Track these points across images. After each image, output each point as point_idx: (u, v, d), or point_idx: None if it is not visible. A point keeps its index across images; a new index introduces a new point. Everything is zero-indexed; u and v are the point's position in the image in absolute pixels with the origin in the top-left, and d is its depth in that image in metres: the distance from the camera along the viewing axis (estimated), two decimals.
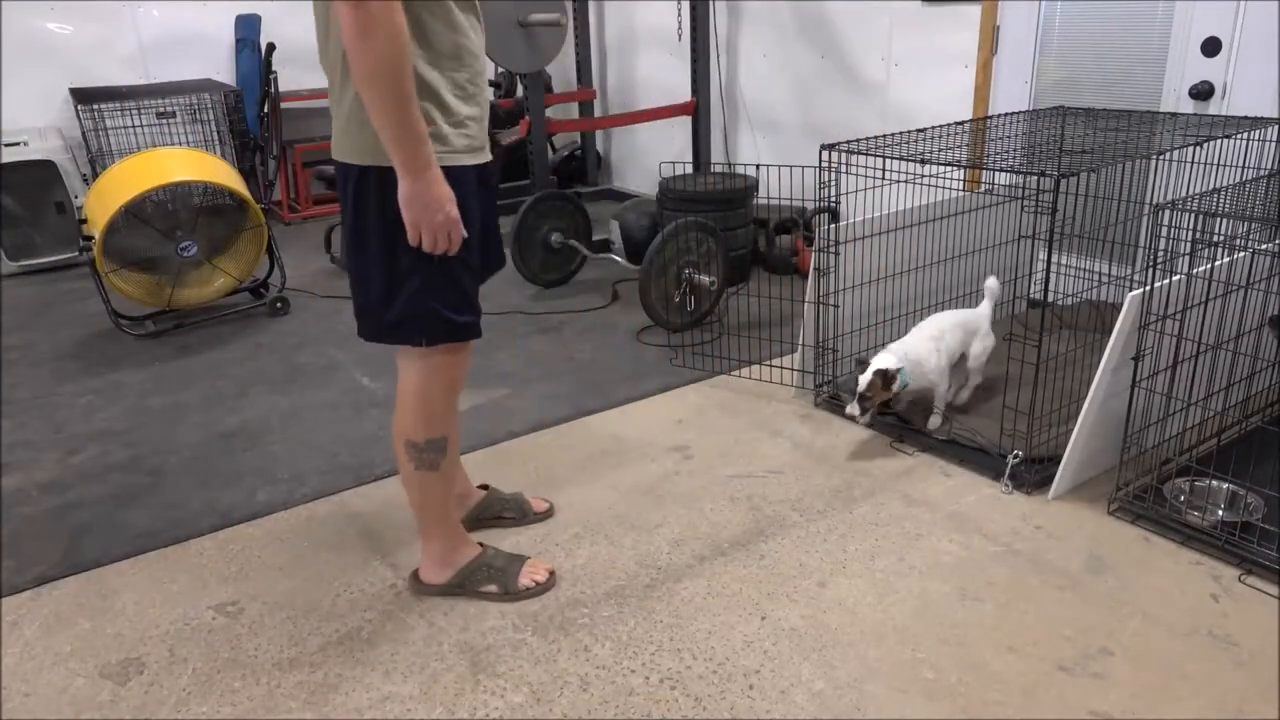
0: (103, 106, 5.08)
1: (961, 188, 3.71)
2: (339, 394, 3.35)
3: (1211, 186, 2.82)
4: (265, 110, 5.68)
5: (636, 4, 5.73)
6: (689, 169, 5.03)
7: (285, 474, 2.80)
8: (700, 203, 4.11)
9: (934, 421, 2.81)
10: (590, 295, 4.33)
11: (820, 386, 3.13)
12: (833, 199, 2.92)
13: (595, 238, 4.50)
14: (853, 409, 2.69)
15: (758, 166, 3.73)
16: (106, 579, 2.32)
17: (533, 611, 2.14)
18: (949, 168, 2.64)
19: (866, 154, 2.79)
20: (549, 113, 5.04)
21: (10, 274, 4.95)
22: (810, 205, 4.38)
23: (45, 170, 4.90)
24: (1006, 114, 3.37)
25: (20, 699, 1.93)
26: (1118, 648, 1.95)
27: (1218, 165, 2.96)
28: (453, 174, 1.79)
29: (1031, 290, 3.58)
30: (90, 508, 2.65)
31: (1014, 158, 2.64)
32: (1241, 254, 2.40)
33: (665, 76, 5.59)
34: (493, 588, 2.18)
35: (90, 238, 3.70)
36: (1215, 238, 2.34)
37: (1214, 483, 2.40)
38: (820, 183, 2.87)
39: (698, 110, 5.07)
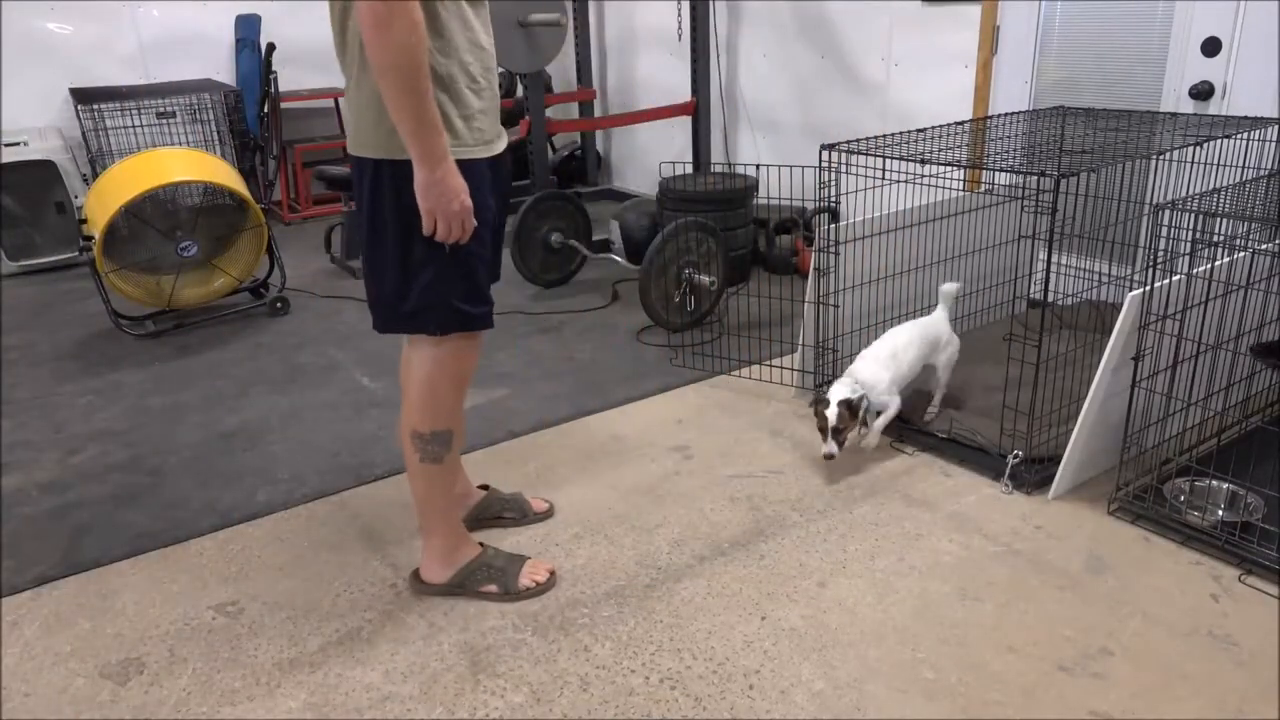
0: (103, 106, 5.08)
1: (961, 188, 3.71)
2: (339, 394, 3.35)
3: (1211, 186, 2.81)
4: (265, 110, 5.68)
5: (636, 4, 5.73)
6: (689, 169, 5.03)
7: (285, 474, 2.80)
8: (700, 203, 4.11)
9: (870, 440, 2.73)
10: (590, 295, 4.33)
11: (820, 386, 3.12)
12: (833, 199, 2.91)
13: (595, 238, 4.50)
14: (829, 448, 2.57)
15: (758, 166, 3.73)
16: (106, 579, 2.32)
17: (533, 611, 2.14)
18: (949, 168, 2.64)
19: (866, 154, 2.79)
20: (549, 113, 5.05)
21: (10, 274, 4.95)
22: (810, 205, 4.38)
23: (45, 170, 4.90)
24: (1006, 114, 3.37)
25: (20, 699, 1.93)
26: (1118, 648, 1.95)
27: (1218, 165, 2.96)
28: (464, 166, 1.82)
29: (1031, 290, 3.58)
30: (90, 508, 2.65)
31: (1014, 158, 2.64)
32: (1241, 254, 2.40)
33: (665, 76, 5.59)
34: (493, 587, 2.18)
35: (90, 238, 3.70)
36: (1215, 238, 2.34)
37: (1214, 483, 2.40)
38: (820, 183, 2.87)
39: (698, 110, 5.07)
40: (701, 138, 5.11)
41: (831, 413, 2.57)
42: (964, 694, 1.85)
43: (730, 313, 3.99)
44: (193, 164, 3.94)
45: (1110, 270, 3.18)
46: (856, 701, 1.84)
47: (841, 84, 4.53)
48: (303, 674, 1.97)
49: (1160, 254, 2.23)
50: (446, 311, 1.94)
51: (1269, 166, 2.93)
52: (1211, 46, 3.19)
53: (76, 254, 4.36)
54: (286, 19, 5.90)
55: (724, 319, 3.92)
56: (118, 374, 3.61)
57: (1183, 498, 2.40)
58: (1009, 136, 2.99)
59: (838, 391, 2.62)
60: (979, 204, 3.34)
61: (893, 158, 2.72)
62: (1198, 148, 2.87)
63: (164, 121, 5.29)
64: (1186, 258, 2.25)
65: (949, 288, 2.89)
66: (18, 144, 4.90)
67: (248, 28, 5.79)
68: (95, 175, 4.76)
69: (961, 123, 3.16)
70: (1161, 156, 2.90)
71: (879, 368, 2.72)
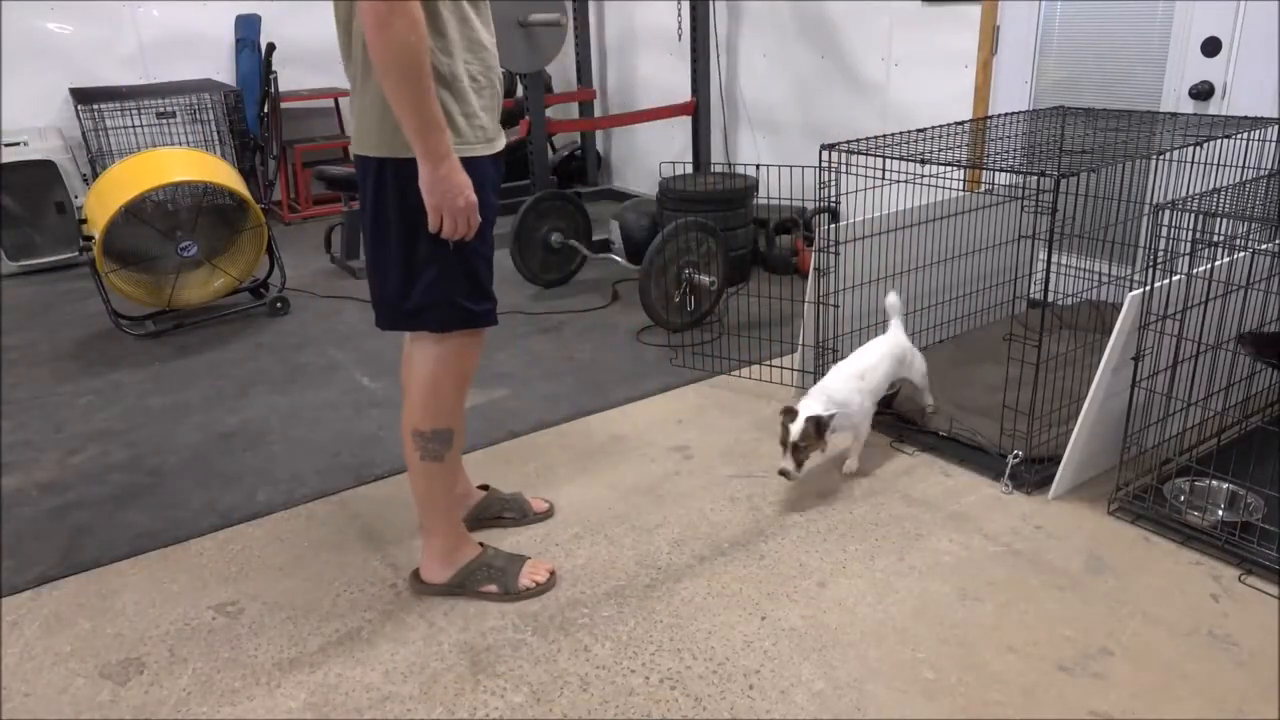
0: (103, 106, 5.08)
1: (961, 188, 3.71)
2: (339, 394, 3.35)
3: (1211, 186, 2.81)
4: (265, 110, 5.68)
5: (636, 4, 5.73)
6: (689, 169, 5.03)
7: (285, 474, 2.80)
8: (700, 203, 4.11)
9: (850, 465, 2.66)
10: (590, 295, 4.33)
11: None
12: (833, 199, 2.91)
13: (595, 238, 4.50)
14: (786, 464, 2.43)
15: (758, 166, 3.73)
16: (106, 579, 2.32)
17: (533, 611, 2.14)
18: (949, 168, 2.64)
19: (866, 154, 2.79)
20: (549, 113, 5.05)
21: (10, 274, 4.95)
22: (810, 205, 4.38)
23: (45, 170, 4.90)
24: (1006, 114, 3.37)
25: (20, 699, 1.93)
26: (1118, 648, 1.95)
27: (1218, 165, 2.96)
28: (467, 164, 1.83)
29: (1031, 290, 3.58)
30: (90, 508, 2.65)
31: (1014, 158, 2.64)
32: (1241, 254, 2.40)
33: (665, 76, 5.59)
34: (493, 588, 2.18)
35: (90, 238, 3.70)
36: (1215, 238, 2.34)
37: (1214, 483, 2.40)
38: (820, 183, 2.87)
39: (698, 110, 5.07)
40: (701, 138, 5.11)
41: (796, 427, 2.42)
42: (964, 694, 1.85)
43: (730, 313, 3.99)
44: (193, 164, 3.94)
45: (1110, 270, 3.18)
46: (856, 701, 1.84)
47: (841, 84, 4.53)
48: (303, 674, 1.97)
49: (1160, 254, 2.23)
50: (449, 309, 1.95)
51: (1269, 166, 2.93)
52: (1211, 46, 3.19)
53: (76, 254, 4.37)
54: (286, 19, 5.90)
55: (724, 319, 3.92)
56: (118, 374, 3.61)
57: (1183, 498, 2.40)
58: (1009, 136, 2.99)
59: (809, 406, 2.48)
60: (979, 204, 3.34)
61: (893, 158, 2.72)
62: (1198, 148, 2.87)
63: (164, 121, 5.29)
64: (1186, 258, 2.25)
65: (893, 300, 2.80)
66: (18, 144, 4.90)
67: (248, 28, 5.79)
68: (95, 175, 4.76)
69: (961, 123, 3.16)
70: (1161, 156, 2.90)
71: (853, 387, 2.60)
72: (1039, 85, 3.75)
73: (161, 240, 3.98)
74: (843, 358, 3.13)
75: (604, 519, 2.50)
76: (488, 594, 2.18)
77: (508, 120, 5.36)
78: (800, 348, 3.17)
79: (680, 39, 5.14)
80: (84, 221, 3.76)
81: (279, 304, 4.21)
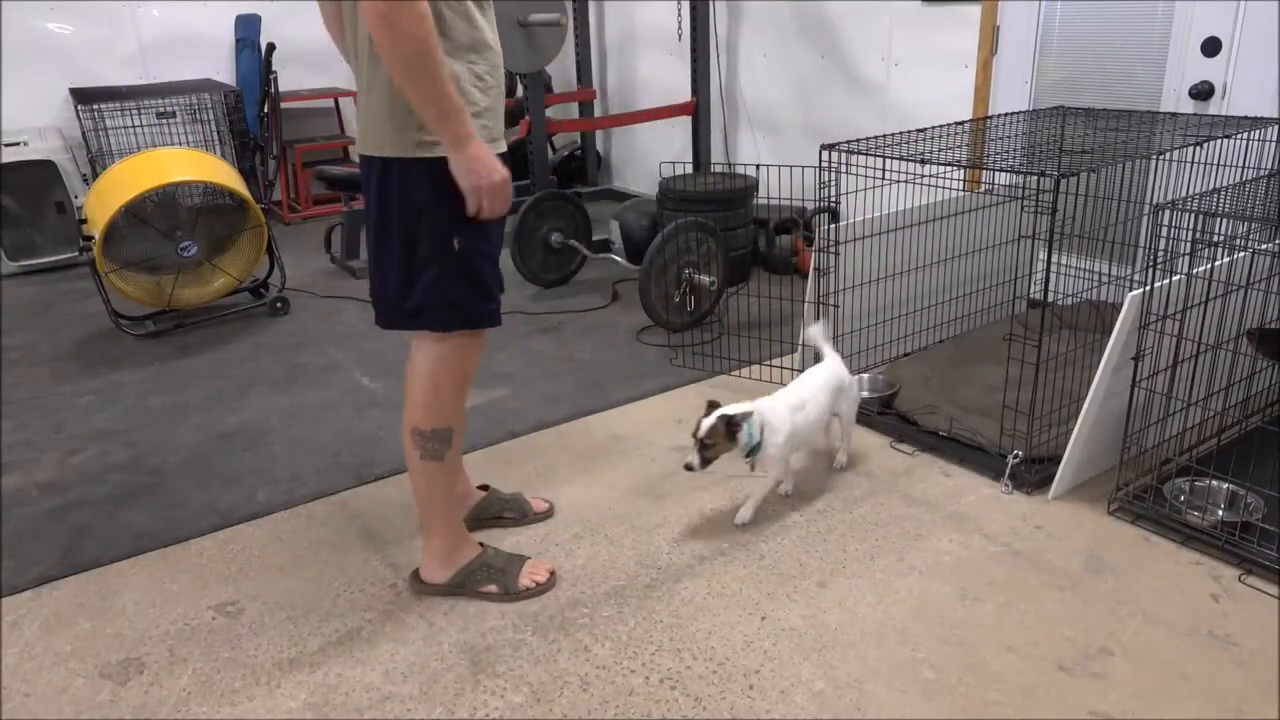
0: (103, 106, 5.08)
1: (961, 188, 3.71)
2: (339, 394, 3.35)
3: (1211, 186, 2.81)
4: (265, 110, 5.68)
5: (636, 4, 5.73)
6: (689, 169, 5.03)
7: (285, 474, 2.80)
8: (700, 203, 4.11)
9: (744, 514, 2.46)
10: (590, 295, 4.33)
11: None
12: (833, 199, 2.91)
13: (595, 238, 4.50)
14: (692, 459, 2.29)
15: (758, 166, 3.73)
16: (106, 579, 2.32)
17: (533, 611, 2.14)
18: (949, 168, 2.64)
19: (866, 154, 2.79)
20: (549, 113, 5.05)
21: (10, 274, 4.95)
22: (810, 205, 4.38)
23: (45, 170, 4.90)
24: (1006, 114, 3.37)
25: (20, 699, 1.93)
26: (1118, 648, 1.95)
27: (1218, 165, 2.96)
28: None
29: (1031, 290, 3.58)
30: (90, 508, 2.65)
31: (1014, 158, 2.64)
32: (1241, 254, 2.40)
33: (665, 76, 5.59)
34: (493, 588, 2.18)
35: (90, 238, 3.70)
36: (1215, 238, 2.34)
37: (1214, 483, 2.40)
38: (820, 183, 2.87)
39: (698, 110, 5.07)
40: (701, 138, 5.11)
41: (706, 423, 2.29)
42: (964, 694, 1.85)
43: (730, 313, 3.99)
44: (193, 164, 3.94)
45: (1110, 270, 3.18)
46: (856, 701, 1.84)
47: (841, 84, 4.53)
48: (303, 674, 1.97)
49: (1160, 254, 2.23)
50: (449, 309, 1.95)
51: (1269, 166, 2.93)
52: (1211, 46, 3.19)
53: (76, 254, 4.37)
54: (286, 19, 5.90)
55: (724, 319, 3.92)
56: (118, 374, 3.61)
57: (1183, 498, 2.40)
58: (1009, 136, 2.99)
59: (732, 406, 2.34)
60: (979, 204, 3.34)
61: (893, 158, 2.72)
62: (1198, 148, 2.87)
63: (164, 121, 5.29)
64: (1186, 258, 2.25)
65: (815, 331, 2.68)
66: (18, 144, 4.90)
67: (248, 28, 5.79)
68: (95, 175, 4.76)
69: (961, 123, 3.16)
70: (1161, 156, 2.90)
71: (788, 416, 2.42)
72: (1039, 85, 3.75)
73: (161, 240, 3.98)
74: (843, 358, 3.14)
75: (604, 519, 2.50)
76: (488, 594, 2.18)
77: (508, 120, 5.35)
78: (800, 348, 3.17)
79: (680, 39, 5.14)
80: (84, 221, 3.76)
81: (279, 304, 4.21)
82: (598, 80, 6.20)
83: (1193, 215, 2.26)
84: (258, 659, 2.02)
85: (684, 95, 5.15)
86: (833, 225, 2.94)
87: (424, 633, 2.08)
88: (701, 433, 2.29)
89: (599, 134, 6.38)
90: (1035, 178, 2.36)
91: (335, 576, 2.30)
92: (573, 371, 3.48)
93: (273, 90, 5.66)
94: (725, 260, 3.84)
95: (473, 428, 2.98)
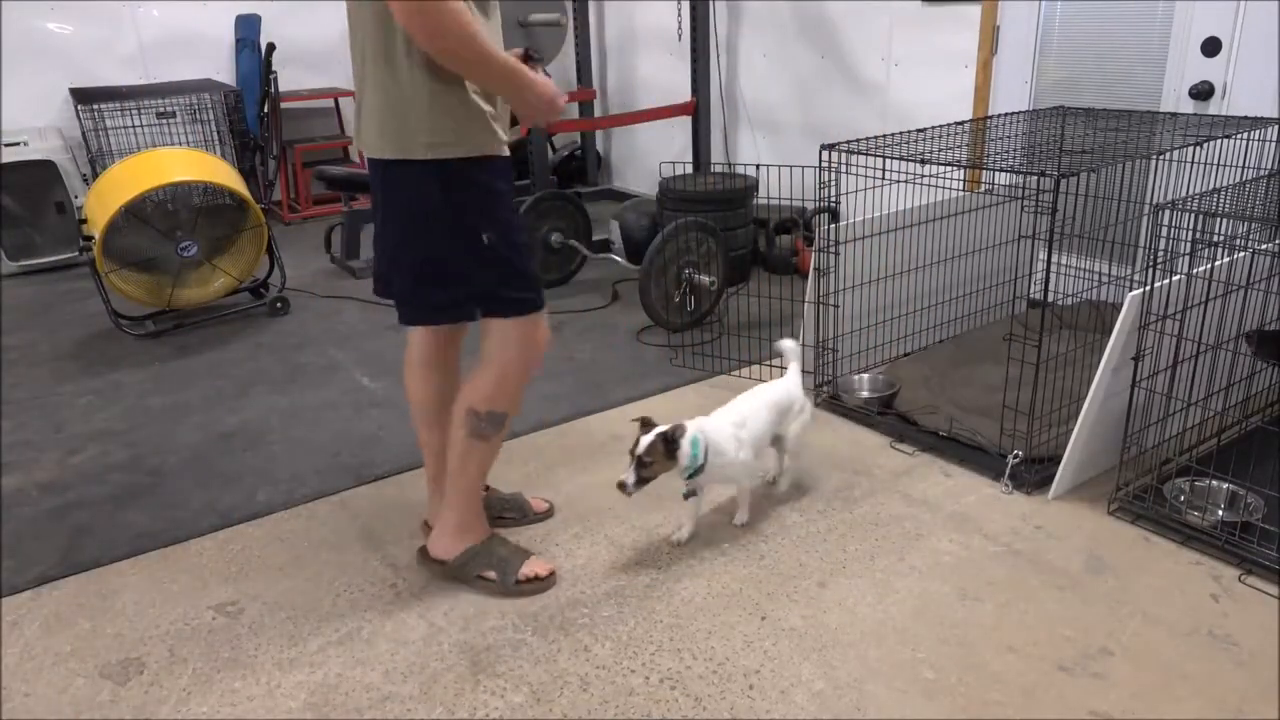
0: (103, 106, 5.08)
1: (961, 188, 3.71)
2: (339, 394, 3.35)
3: (1211, 186, 2.81)
4: (265, 110, 5.68)
5: (636, 4, 5.73)
6: (689, 169, 5.03)
7: (285, 474, 2.80)
8: (700, 203, 4.11)
9: (741, 516, 2.43)
10: (590, 295, 4.33)
11: (820, 386, 3.12)
12: (833, 199, 2.91)
13: (595, 238, 4.50)
14: (627, 476, 2.17)
15: (758, 166, 3.73)
16: (106, 579, 2.32)
17: (533, 611, 2.14)
18: (949, 168, 2.64)
19: (866, 154, 2.79)
20: None
21: (10, 274, 4.95)
22: (810, 205, 4.38)
23: (45, 170, 4.90)
24: (1006, 114, 3.37)
25: (20, 699, 1.93)
26: (1118, 648, 1.95)
27: (1218, 165, 2.96)
28: (485, 163, 1.91)
29: (1031, 290, 3.58)
30: (90, 508, 2.65)
31: (1014, 158, 2.64)
32: (1241, 254, 2.40)
33: (665, 76, 5.59)
34: (492, 574, 2.21)
35: (90, 238, 3.70)
36: (1215, 238, 2.34)
37: (1214, 483, 2.40)
38: (820, 183, 2.87)
39: (698, 110, 5.07)
40: (701, 138, 5.10)
41: (644, 440, 2.17)
42: (964, 694, 1.85)
43: (730, 313, 3.99)
44: (193, 164, 3.94)
45: (1110, 270, 3.18)
46: (856, 701, 1.84)
47: (841, 84, 4.53)
48: (303, 674, 1.97)
49: (1160, 254, 2.23)
50: (491, 300, 2.03)
51: (1269, 166, 2.93)
52: (1211, 46, 3.19)
53: (76, 254, 4.36)
54: (286, 19, 5.90)
55: (724, 319, 3.92)
56: (118, 374, 3.61)
57: (1183, 498, 2.40)
58: (1009, 136, 2.99)
59: (669, 427, 2.21)
60: (979, 204, 3.34)
61: (893, 158, 2.72)
62: (1198, 148, 2.87)
63: (164, 121, 5.29)
64: (1186, 258, 2.25)
65: (788, 345, 2.59)
66: (18, 144, 4.90)
67: (248, 28, 5.79)
68: (95, 175, 4.76)
69: (961, 123, 3.16)
70: (1161, 156, 2.90)
71: (728, 434, 2.32)
72: (1039, 85, 3.75)
73: (161, 240, 3.98)
74: (843, 358, 3.14)
75: (604, 519, 2.50)
76: (486, 580, 2.20)
77: (510, 120, 5.37)
78: (800, 348, 3.16)
79: (680, 39, 5.13)
80: (84, 221, 3.76)
81: (279, 304, 4.21)
82: (598, 80, 6.20)
83: (1193, 215, 2.26)
84: (258, 659, 2.02)
85: (684, 95, 5.14)
86: (833, 225, 2.94)
87: (424, 633, 2.08)
88: (640, 450, 2.17)
89: (599, 134, 6.38)
90: (1035, 178, 2.36)
91: (335, 576, 2.30)
92: (573, 371, 3.48)
93: (273, 90, 5.66)
94: (725, 260, 3.84)
95: None
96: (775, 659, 1.96)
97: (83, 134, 5.09)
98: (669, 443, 2.19)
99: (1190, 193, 2.44)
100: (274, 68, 5.63)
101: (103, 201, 3.76)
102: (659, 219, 4.26)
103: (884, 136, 2.90)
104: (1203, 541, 2.27)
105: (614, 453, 2.86)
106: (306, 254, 5.09)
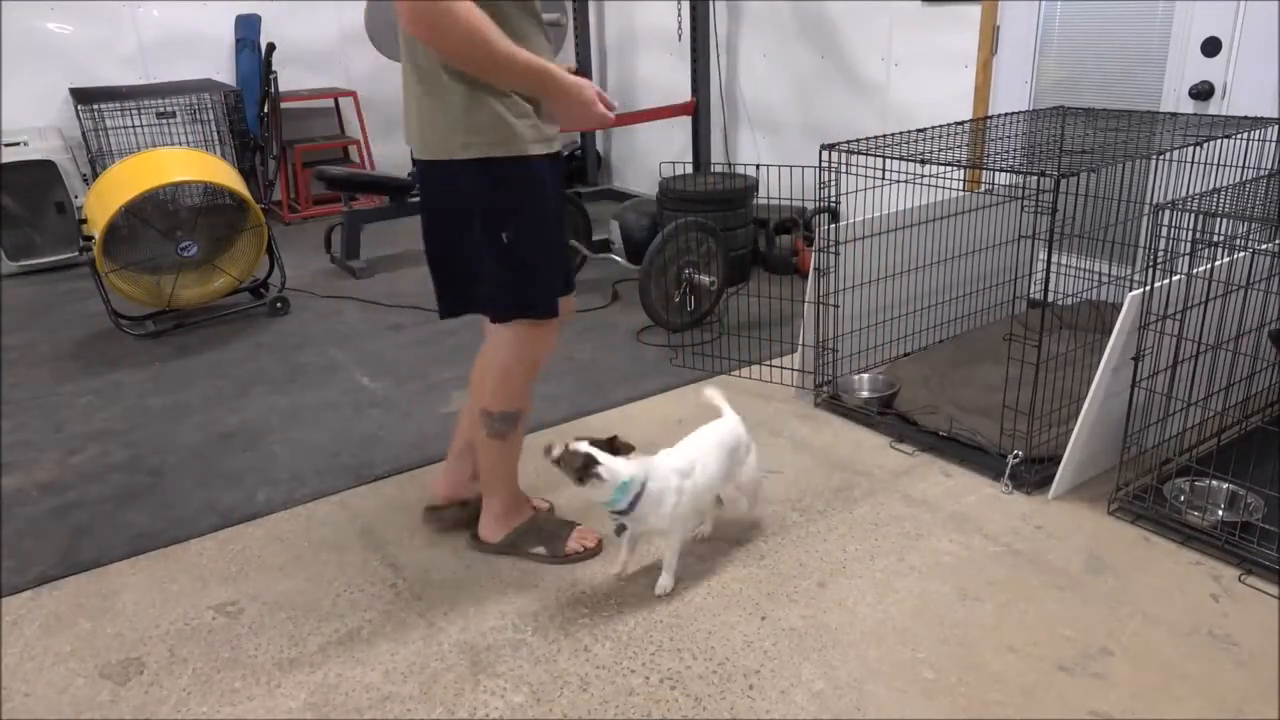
0: (103, 106, 5.08)
1: (961, 188, 3.71)
2: (339, 394, 3.35)
3: (1211, 186, 2.81)
4: (265, 110, 5.68)
5: (636, 4, 5.73)
6: (689, 169, 5.03)
7: (285, 474, 2.80)
8: (700, 203, 4.11)
9: (663, 584, 2.17)
10: (590, 295, 4.33)
11: (820, 386, 3.13)
12: (833, 199, 2.91)
13: (595, 238, 4.50)
14: (554, 451, 2.03)
15: (758, 166, 3.73)
16: (106, 579, 2.32)
17: (533, 611, 2.14)
18: (949, 168, 2.64)
19: (866, 154, 2.79)
20: None
21: (10, 274, 4.95)
22: (810, 205, 4.38)
23: (45, 170, 4.90)
24: (1006, 114, 3.37)
25: (20, 699, 1.93)
26: (1118, 648, 1.95)
27: (1218, 165, 2.96)
28: (519, 163, 1.94)
29: (1031, 290, 3.58)
30: (90, 508, 2.65)
31: (1014, 158, 2.64)
32: (1241, 254, 2.40)
33: (665, 76, 5.59)
34: (541, 549, 2.30)
35: (90, 238, 3.70)
36: (1215, 238, 2.34)
37: (1214, 483, 2.40)
38: (820, 183, 2.87)
39: (698, 110, 5.07)
40: (701, 138, 5.11)
41: (572, 447, 2.03)
42: (964, 694, 1.85)
43: (730, 313, 3.99)
44: (193, 164, 3.94)
45: (1110, 270, 3.18)
46: (856, 701, 1.84)
47: (841, 84, 4.53)
48: (303, 674, 1.97)
49: (1160, 254, 2.23)
50: (503, 299, 2.06)
51: (1269, 166, 2.93)
52: (1211, 46, 3.19)
53: (76, 254, 4.36)
54: (286, 19, 5.90)
55: (724, 319, 3.92)
56: (118, 374, 3.61)
57: (1183, 498, 2.40)
58: (1009, 136, 2.99)
59: (609, 462, 2.03)
60: (979, 204, 3.34)
61: (893, 158, 2.72)
62: (1198, 148, 2.87)
63: (164, 121, 5.29)
64: (1186, 258, 2.25)
65: (712, 394, 2.39)
66: (18, 144, 4.90)
67: (248, 28, 5.78)
68: (95, 175, 4.76)
69: (961, 123, 3.16)
70: (1161, 156, 2.90)
71: (676, 483, 2.10)
72: (1039, 85, 3.75)
73: (161, 240, 3.98)
74: (843, 358, 3.14)
75: (604, 519, 2.49)
76: (537, 555, 2.30)
77: None
78: (800, 348, 3.17)
79: (680, 39, 5.13)
80: (84, 221, 3.76)
81: (279, 304, 4.21)
82: (598, 80, 6.20)
83: (1193, 215, 2.26)
84: (258, 659, 2.02)
85: (684, 95, 5.14)
86: (833, 225, 2.94)
87: (424, 633, 2.08)
88: (554, 454, 2.03)
89: (599, 134, 6.38)
90: (1035, 178, 2.36)
91: (335, 576, 2.30)
92: (573, 372, 3.48)
93: (273, 90, 5.65)
94: (725, 260, 3.84)
95: None
96: (775, 659, 1.96)
97: (83, 134, 5.09)
98: (586, 467, 2.00)
99: (1190, 193, 2.44)
100: (274, 68, 5.63)
101: (103, 201, 3.75)
102: (659, 219, 4.26)
103: (884, 136, 2.90)
104: (1203, 541, 2.27)
105: None
106: (306, 254, 5.09)
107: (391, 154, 6.19)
